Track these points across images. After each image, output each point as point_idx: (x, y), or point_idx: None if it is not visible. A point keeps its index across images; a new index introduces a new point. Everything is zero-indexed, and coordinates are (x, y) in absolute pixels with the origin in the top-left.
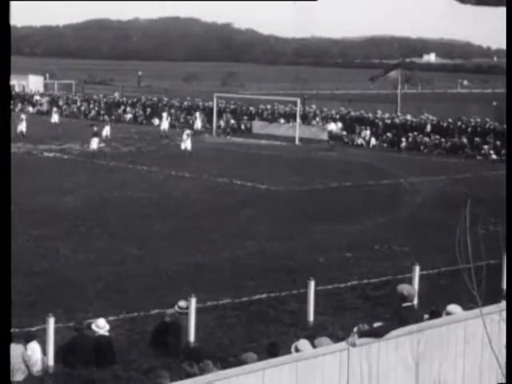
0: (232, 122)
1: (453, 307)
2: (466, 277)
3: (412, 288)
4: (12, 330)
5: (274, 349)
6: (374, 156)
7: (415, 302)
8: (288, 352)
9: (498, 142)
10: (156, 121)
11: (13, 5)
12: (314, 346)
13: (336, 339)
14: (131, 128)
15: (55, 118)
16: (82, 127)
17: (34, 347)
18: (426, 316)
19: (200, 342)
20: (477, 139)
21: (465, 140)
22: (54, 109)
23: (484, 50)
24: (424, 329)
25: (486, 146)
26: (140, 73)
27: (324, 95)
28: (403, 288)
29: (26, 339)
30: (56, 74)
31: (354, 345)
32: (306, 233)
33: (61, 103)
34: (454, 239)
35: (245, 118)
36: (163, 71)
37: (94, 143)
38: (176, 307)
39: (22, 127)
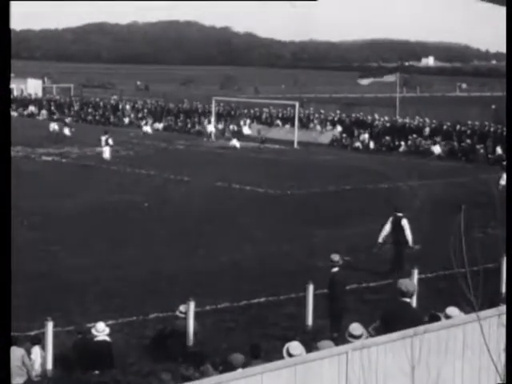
0: (231, 125)
1: (451, 310)
2: (463, 282)
3: (411, 284)
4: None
5: (256, 350)
6: (373, 159)
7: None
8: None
9: (499, 147)
10: (156, 124)
11: (11, 8)
12: (312, 349)
13: (335, 343)
14: (130, 132)
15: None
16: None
17: (37, 351)
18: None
19: (199, 345)
20: (470, 142)
21: (463, 143)
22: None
23: (483, 53)
24: (422, 332)
25: (483, 149)
26: (139, 82)
27: (322, 98)
28: (402, 283)
29: (33, 342)
30: (54, 78)
31: None
32: (305, 236)
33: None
34: (454, 243)
35: (243, 121)
36: (161, 75)
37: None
38: (177, 312)
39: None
